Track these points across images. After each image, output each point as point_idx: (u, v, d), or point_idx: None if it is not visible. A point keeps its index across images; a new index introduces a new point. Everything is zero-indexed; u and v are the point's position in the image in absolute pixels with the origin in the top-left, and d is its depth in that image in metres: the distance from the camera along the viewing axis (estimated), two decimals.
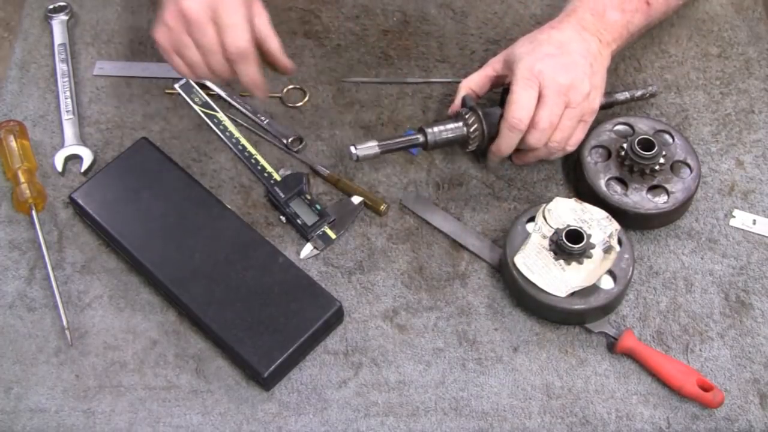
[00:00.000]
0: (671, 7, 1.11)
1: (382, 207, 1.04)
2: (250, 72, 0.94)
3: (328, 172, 1.07)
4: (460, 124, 1.01)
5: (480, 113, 1.01)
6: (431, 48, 1.17)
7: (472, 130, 1.01)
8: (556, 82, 0.97)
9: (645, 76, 1.14)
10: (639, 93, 1.09)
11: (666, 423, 0.93)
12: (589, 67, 0.99)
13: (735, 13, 1.19)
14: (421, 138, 1.01)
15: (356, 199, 1.05)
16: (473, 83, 1.05)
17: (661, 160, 1.00)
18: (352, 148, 0.99)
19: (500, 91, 1.04)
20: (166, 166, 1.05)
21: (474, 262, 1.02)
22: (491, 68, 1.04)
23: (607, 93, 1.07)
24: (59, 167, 1.09)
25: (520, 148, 1.02)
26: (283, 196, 1.04)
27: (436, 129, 1.01)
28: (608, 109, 1.08)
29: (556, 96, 0.97)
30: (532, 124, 0.98)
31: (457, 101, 1.05)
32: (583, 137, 1.03)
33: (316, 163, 1.08)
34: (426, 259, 1.02)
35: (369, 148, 0.99)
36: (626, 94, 1.08)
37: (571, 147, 1.02)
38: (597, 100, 1.01)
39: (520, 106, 0.97)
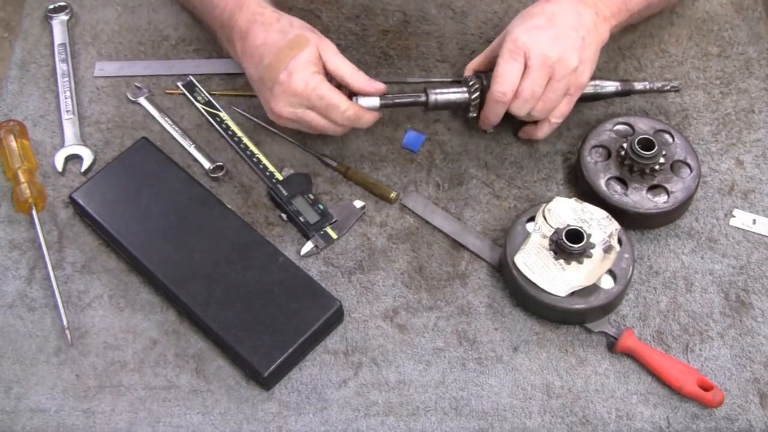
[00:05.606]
0: None
1: (392, 195, 1.05)
2: (366, 124, 1.02)
3: (336, 163, 1.07)
4: (464, 89, 1.03)
5: (484, 81, 1.02)
6: (431, 48, 1.17)
7: (474, 96, 1.02)
8: (541, 54, 0.97)
9: (645, 76, 1.14)
10: (659, 85, 1.07)
11: (666, 423, 0.93)
12: (580, 40, 0.99)
13: (735, 13, 1.19)
14: (423, 97, 1.03)
15: (358, 203, 1.05)
16: (476, 65, 1.07)
17: (661, 160, 1.00)
18: (355, 99, 1.01)
19: None
20: (166, 166, 1.05)
21: (474, 261, 1.02)
22: (490, 49, 1.06)
23: (625, 81, 1.07)
24: (59, 167, 1.09)
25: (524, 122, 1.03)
26: (285, 193, 1.04)
27: (438, 90, 1.03)
28: (625, 96, 1.08)
29: (540, 68, 0.98)
30: (515, 94, 0.99)
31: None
32: (569, 110, 1.03)
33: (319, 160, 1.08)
34: (426, 259, 1.02)
35: (370, 100, 1.01)
36: (645, 84, 1.08)
37: (555, 119, 1.03)
38: (586, 74, 1.01)
39: (504, 79, 0.98)
